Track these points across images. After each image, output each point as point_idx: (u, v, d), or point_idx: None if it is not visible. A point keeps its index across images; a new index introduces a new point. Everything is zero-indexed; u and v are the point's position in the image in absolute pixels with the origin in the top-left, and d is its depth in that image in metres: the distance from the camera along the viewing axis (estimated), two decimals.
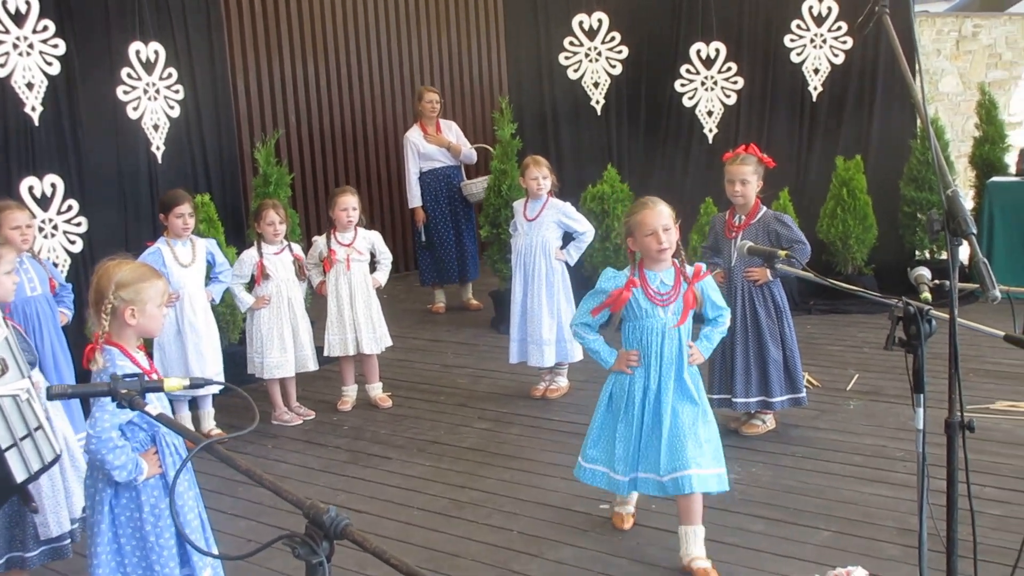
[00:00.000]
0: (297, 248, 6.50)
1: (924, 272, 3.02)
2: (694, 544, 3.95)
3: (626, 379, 3.99)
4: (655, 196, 4.01)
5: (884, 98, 8.49)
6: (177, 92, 7.27)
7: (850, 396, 6.13)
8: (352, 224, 6.46)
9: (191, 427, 6.11)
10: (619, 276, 3.96)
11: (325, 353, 6.52)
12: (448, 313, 9.22)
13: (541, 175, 6.35)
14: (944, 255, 8.33)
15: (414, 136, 8.96)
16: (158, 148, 7.16)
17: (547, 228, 6.37)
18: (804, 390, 5.49)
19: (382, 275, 6.63)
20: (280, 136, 9.49)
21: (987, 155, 9.00)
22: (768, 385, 5.36)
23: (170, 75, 7.21)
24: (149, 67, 7.09)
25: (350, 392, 6.65)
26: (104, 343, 3.19)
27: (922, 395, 2.75)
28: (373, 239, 6.57)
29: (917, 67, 2.54)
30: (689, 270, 3.96)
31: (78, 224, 6.62)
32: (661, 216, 3.84)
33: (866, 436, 5.43)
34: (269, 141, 7.69)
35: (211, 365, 5.95)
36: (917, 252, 8.59)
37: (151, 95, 7.11)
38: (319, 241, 6.58)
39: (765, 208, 5.42)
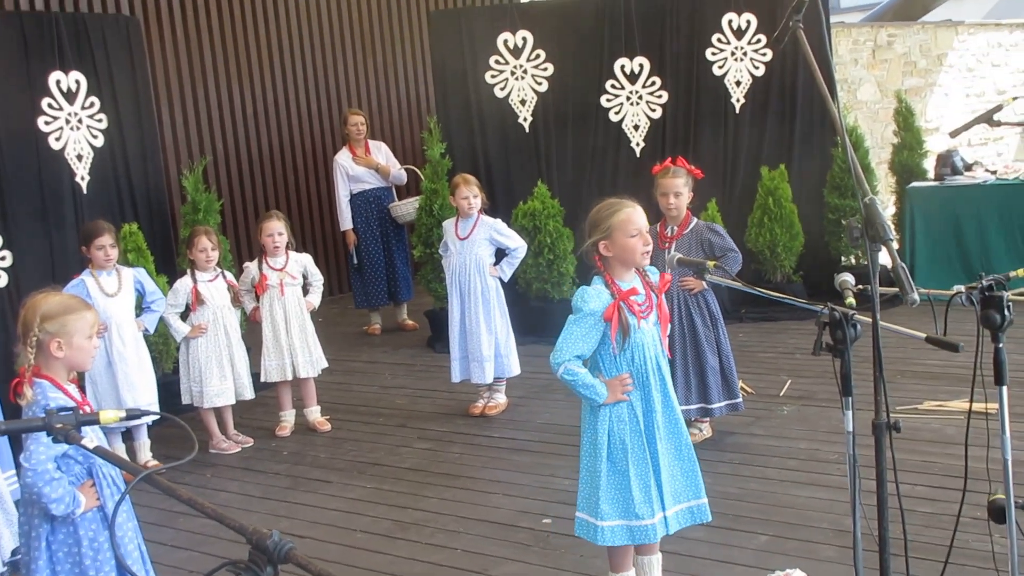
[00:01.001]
0: (230, 275, 6.46)
1: (848, 278, 3.07)
2: (656, 572, 3.83)
3: (623, 411, 3.56)
4: (601, 204, 3.83)
5: (805, 108, 8.66)
6: (100, 121, 7.19)
7: (783, 402, 6.22)
8: (280, 249, 6.43)
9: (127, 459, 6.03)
10: (601, 291, 3.54)
11: (262, 379, 6.47)
12: (384, 334, 9.20)
13: (471, 194, 6.38)
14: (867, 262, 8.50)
15: (343, 159, 8.97)
16: (82, 178, 7.08)
17: (479, 246, 6.39)
18: (740, 396, 5.58)
19: (315, 297, 6.61)
20: (208, 163, 9.41)
21: (906, 161, 9.21)
22: (707, 392, 5.43)
23: (92, 104, 7.13)
24: (70, 97, 7.01)
25: (288, 417, 6.61)
26: (33, 376, 3.16)
27: (850, 398, 2.82)
28: (305, 262, 6.56)
29: (832, 78, 2.62)
30: (653, 277, 3.68)
31: (2, 258, 6.51)
32: (643, 216, 3.60)
33: (800, 440, 5.52)
34: (197, 168, 7.64)
35: (144, 395, 5.87)
36: (843, 258, 8.75)
37: (73, 125, 7.02)
38: (251, 267, 6.54)
39: (696, 219, 5.51)
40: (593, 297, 3.52)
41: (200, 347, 6.21)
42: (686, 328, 5.43)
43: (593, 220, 3.62)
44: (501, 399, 6.62)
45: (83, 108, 7.09)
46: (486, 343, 6.39)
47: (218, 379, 6.20)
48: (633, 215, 3.56)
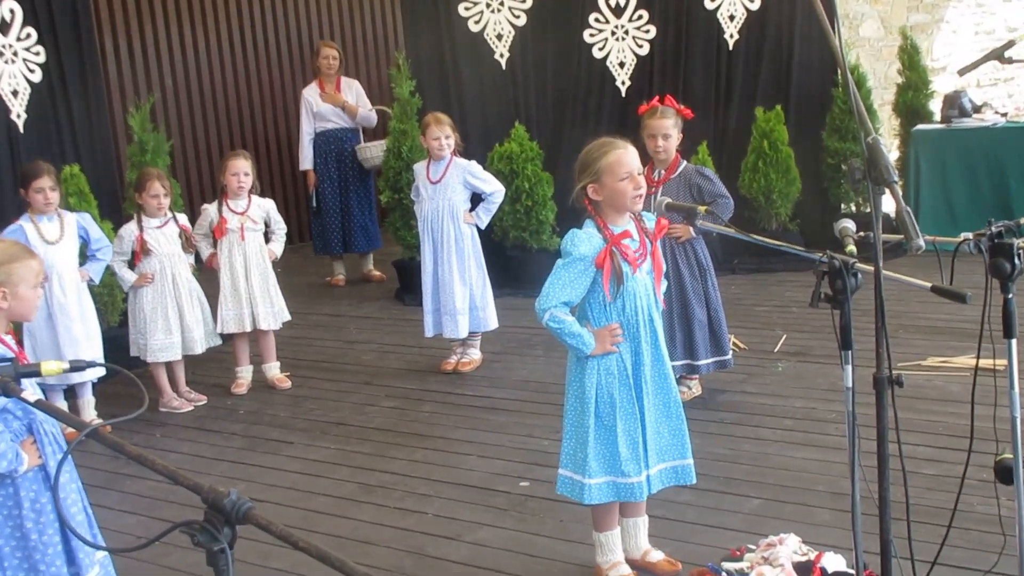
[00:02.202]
0: (183, 219, 6.40)
1: (848, 224, 3.06)
2: (643, 536, 3.90)
3: (611, 362, 3.59)
4: (590, 145, 3.75)
5: (803, 45, 8.61)
6: (38, 55, 7.07)
7: (778, 358, 6.26)
8: (244, 190, 6.39)
9: None
10: (592, 235, 3.56)
11: (218, 330, 6.44)
12: (349, 286, 9.20)
13: (443, 134, 6.34)
14: (869, 207, 8.53)
15: (310, 94, 8.95)
16: (19, 116, 6.99)
17: (453, 190, 6.38)
18: (730, 352, 5.61)
19: (277, 246, 6.58)
20: (156, 100, 9.31)
21: (911, 102, 9.20)
22: (693, 347, 5.45)
23: (28, 36, 7.02)
24: (4, 28, 6.89)
25: (245, 373, 6.60)
26: None
27: (850, 352, 2.83)
28: (267, 207, 6.51)
29: (834, 10, 2.59)
30: (648, 222, 3.70)
31: None
32: (635, 157, 3.60)
33: (795, 399, 5.56)
34: (144, 106, 7.54)
35: (87, 350, 5.82)
36: (843, 205, 8.76)
37: (8, 58, 6.92)
38: (209, 209, 6.48)
39: (685, 162, 5.51)
40: (584, 241, 3.55)
41: (145, 298, 6.15)
42: (672, 279, 5.44)
43: (582, 162, 3.64)
44: (476, 355, 6.63)
45: (18, 40, 6.98)
46: (459, 295, 6.39)
47: (163, 332, 6.17)
48: (624, 156, 3.56)
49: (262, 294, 6.43)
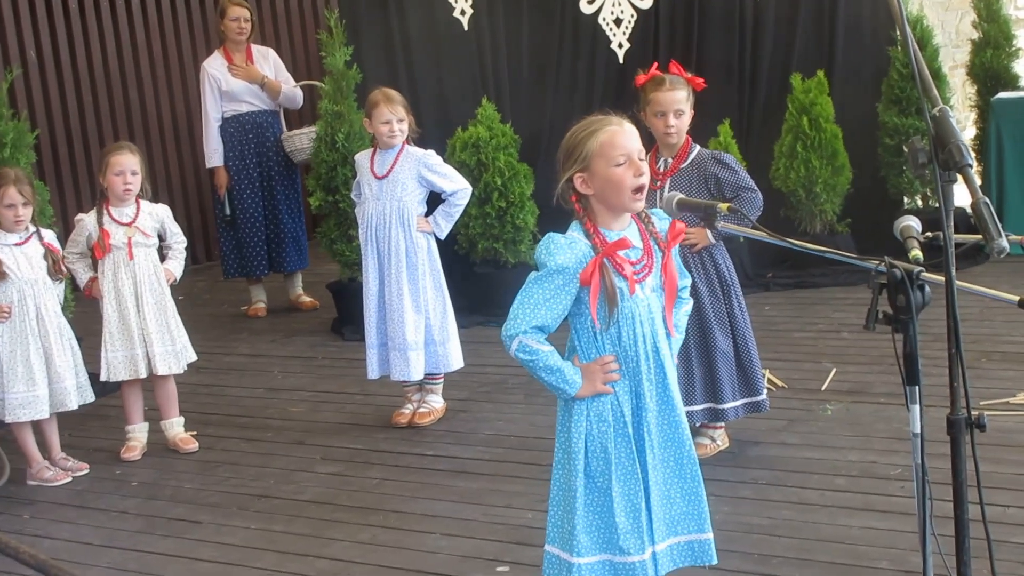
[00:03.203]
0: (49, 235, 6.33)
1: (912, 223, 3.08)
2: None
3: (604, 407, 3.58)
4: (577, 125, 3.67)
5: None
6: None
7: (826, 398, 6.27)
8: (132, 194, 6.34)
9: None
10: (576, 241, 3.54)
11: (103, 377, 6.35)
12: (272, 316, 9.20)
13: (395, 116, 6.32)
14: (937, 200, 8.56)
15: (215, 67, 8.90)
16: None
17: (405, 188, 6.35)
18: (764, 392, 5.62)
19: (176, 265, 6.54)
20: (15, 78, 9.26)
21: (990, 63, 9.25)
22: (717, 388, 5.46)
23: None
24: None
25: (138, 433, 6.55)
26: None
27: (917, 388, 2.83)
28: (162, 216, 6.48)
29: None
30: (659, 224, 3.69)
31: None
32: (634, 136, 3.58)
33: (849, 451, 5.57)
34: (0, 84, 7.52)
35: None
36: (906, 199, 8.81)
37: None
38: (86, 220, 6.37)
39: (698, 147, 5.52)
40: (563, 248, 3.51)
41: (1, 339, 6.10)
42: None
43: (567, 147, 3.63)
44: (436, 403, 6.62)
45: None
46: (411, 325, 6.35)
47: (24, 383, 6.02)
48: (618, 135, 3.54)
49: (159, 330, 6.38)
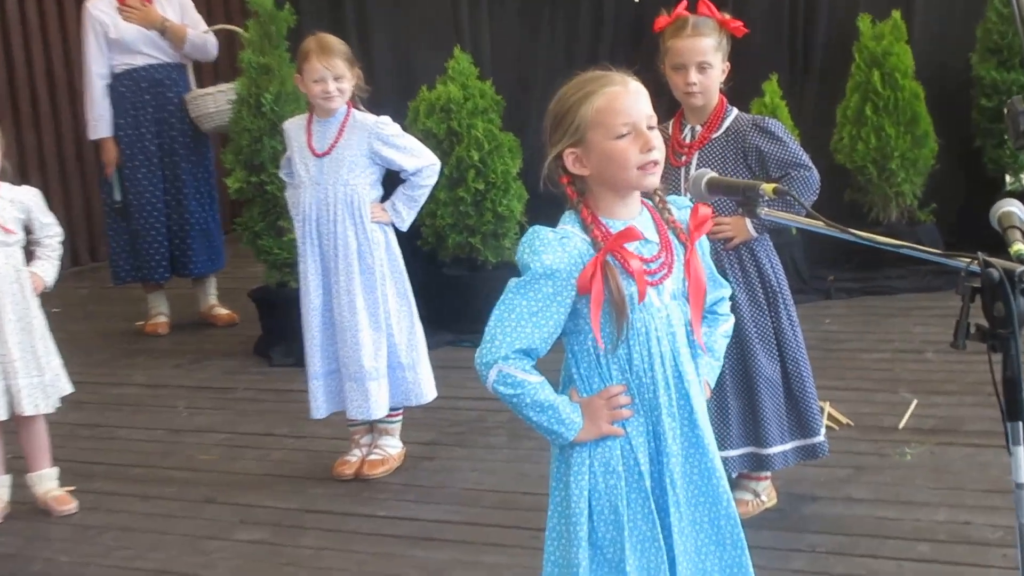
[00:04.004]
0: None
1: (1014, 210, 3.06)
2: None
3: (612, 454, 3.55)
4: (567, 85, 3.62)
5: None
6: None
7: (905, 439, 6.29)
8: None
9: None
10: (570, 237, 3.52)
11: None
12: (176, 334, 9.24)
13: (330, 72, 6.22)
14: None
15: (101, 8, 8.87)
16: None
17: (353, 168, 6.30)
18: (822, 432, 5.60)
19: (47, 267, 6.49)
20: None
21: None
22: (760, 427, 5.43)
23: None
24: None
25: None
26: None
27: (1021, 425, 2.81)
28: (28, 204, 6.44)
29: None
30: (678, 212, 3.69)
31: None
32: (641, 99, 3.56)
33: (935, 508, 5.56)
34: None
35: None
36: (1008, 177, 8.82)
37: None
38: None
39: (736, 111, 5.51)
40: (553, 245, 3.46)
41: None
42: None
43: (555, 114, 3.59)
44: (392, 447, 6.59)
45: None
46: (372, 347, 6.35)
47: None
48: (619, 99, 3.50)
49: (23, 356, 6.31)
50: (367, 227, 6.38)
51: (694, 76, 5.34)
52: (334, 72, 6.30)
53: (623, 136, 3.47)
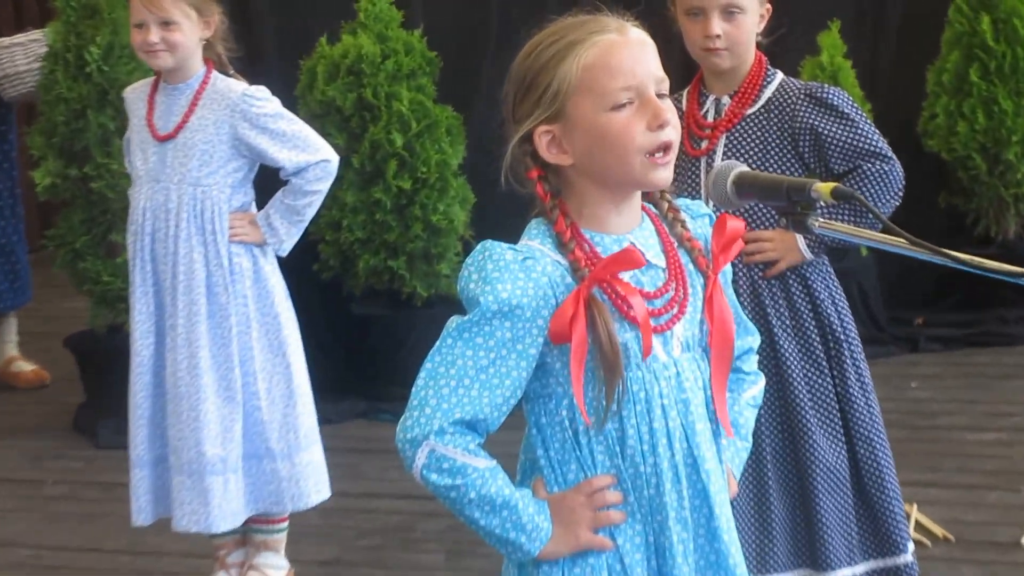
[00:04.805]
0: None
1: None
2: None
3: (597, 572, 3.52)
4: (540, 34, 3.51)
5: None
6: None
7: None
8: None
9: None
10: (537, 257, 3.42)
11: None
12: None
13: (155, 15, 6.09)
14: None
15: None
16: None
17: (206, 159, 6.22)
18: (909, 547, 5.57)
19: None
20: None
21: None
22: (816, 540, 5.37)
23: None
24: None
25: None
26: None
27: None
28: None
29: None
30: (694, 225, 3.63)
31: None
32: (646, 52, 3.46)
33: None
34: None
35: None
36: None
37: None
38: None
39: (780, 75, 5.43)
40: (512, 271, 3.37)
41: None
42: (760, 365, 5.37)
43: (522, 75, 3.49)
44: (275, 570, 6.55)
45: None
46: (218, 423, 6.27)
47: None
48: (618, 50, 3.42)
49: None
50: (222, 248, 6.29)
51: (717, 25, 5.20)
52: (159, 14, 6.20)
53: (622, 106, 3.37)
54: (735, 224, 3.56)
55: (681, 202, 3.59)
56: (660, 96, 3.38)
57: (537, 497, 3.47)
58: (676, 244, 3.53)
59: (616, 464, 3.48)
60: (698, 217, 3.60)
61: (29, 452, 8.40)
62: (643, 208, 3.52)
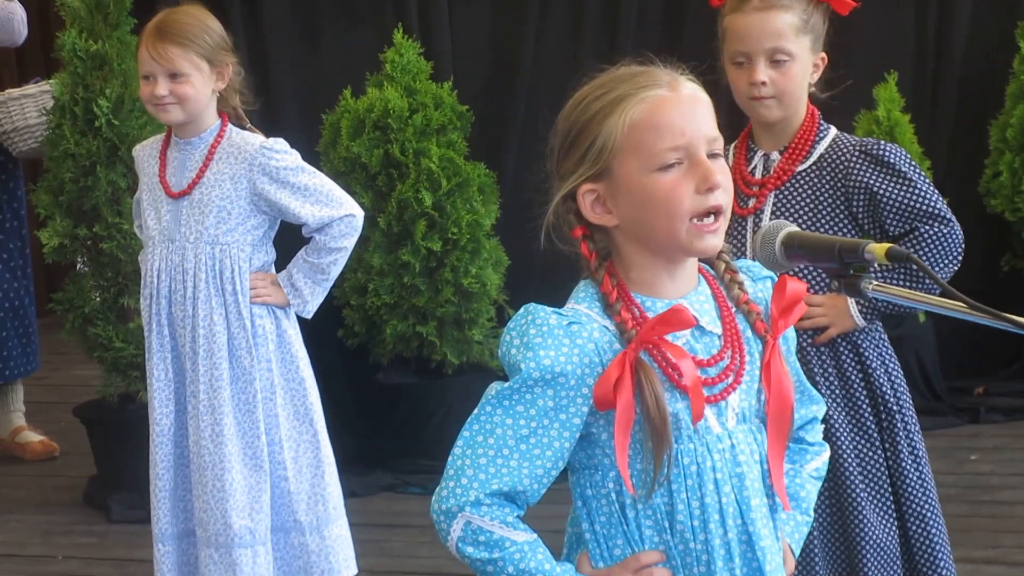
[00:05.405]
0: None
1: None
2: None
3: None
4: (587, 87, 3.47)
5: None
6: None
7: None
8: None
9: None
10: (583, 321, 3.40)
11: None
12: None
13: (163, 67, 6.14)
14: None
15: None
16: None
17: (223, 215, 6.19)
18: None
19: None
20: None
21: None
22: None
23: None
24: None
25: None
26: None
27: None
28: None
29: None
30: (753, 288, 3.60)
31: None
32: (699, 110, 3.43)
33: None
34: None
35: None
36: None
37: None
38: None
39: (834, 130, 5.36)
40: (556, 336, 3.35)
41: None
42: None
43: (567, 129, 3.46)
44: None
45: None
46: (245, 495, 6.22)
47: None
48: (668, 107, 3.37)
49: None
50: (243, 310, 6.27)
51: (763, 72, 5.17)
52: (167, 66, 6.17)
53: (670, 167, 3.34)
54: (796, 286, 3.53)
55: (741, 263, 3.53)
56: (712, 156, 3.34)
57: (581, 572, 3.47)
58: (733, 308, 3.49)
59: (665, 540, 3.48)
60: (759, 280, 3.56)
61: (38, 527, 8.35)
62: (700, 271, 3.46)
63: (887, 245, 3.38)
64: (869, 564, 5.29)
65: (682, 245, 3.36)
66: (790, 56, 5.18)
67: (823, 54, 5.27)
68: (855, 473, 5.29)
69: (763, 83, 5.17)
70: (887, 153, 5.28)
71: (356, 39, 8.62)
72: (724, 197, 3.34)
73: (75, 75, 8.18)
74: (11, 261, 9.05)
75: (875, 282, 3.44)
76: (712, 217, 3.33)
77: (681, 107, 3.39)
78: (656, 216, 3.34)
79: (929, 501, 5.36)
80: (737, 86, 5.24)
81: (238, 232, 6.20)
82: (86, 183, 8.08)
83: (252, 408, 6.24)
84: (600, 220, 3.39)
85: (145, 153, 6.42)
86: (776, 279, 3.55)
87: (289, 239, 6.39)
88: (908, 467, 5.35)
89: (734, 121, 5.20)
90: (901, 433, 5.35)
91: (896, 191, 5.23)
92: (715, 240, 3.35)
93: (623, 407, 3.31)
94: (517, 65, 8.75)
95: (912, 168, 5.31)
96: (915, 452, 5.36)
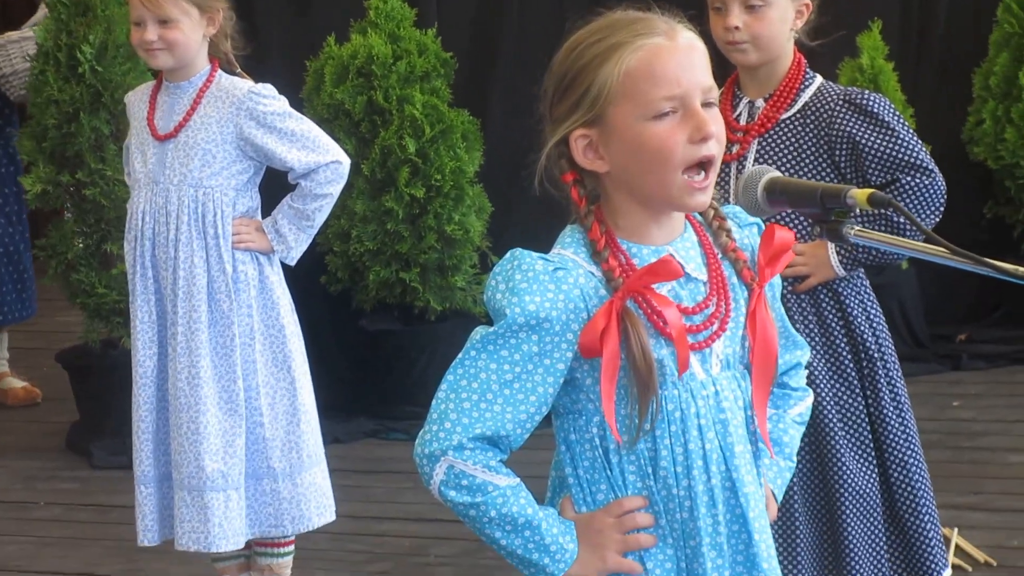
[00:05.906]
0: None
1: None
2: None
3: None
4: (580, 33, 3.46)
5: None
6: None
7: None
8: None
9: None
10: (569, 267, 3.41)
11: None
12: None
13: (153, 10, 6.13)
14: None
15: None
16: None
17: (208, 158, 6.20)
18: (945, 573, 5.52)
19: None
20: None
21: None
22: (846, 566, 5.41)
23: None
24: None
25: None
26: None
27: None
28: None
29: None
30: (740, 234, 3.59)
31: None
32: (695, 58, 3.41)
33: None
34: None
35: None
36: None
37: None
38: None
39: (819, 79, 5.40)
40: (542, 281, 3.35)
41: None
42: None
43: (562, 75, 3.47)
44: None
45: None
46: (220, 439, 6.25)
47: None
48: (665, 55, 3.37)
49: None
50: (225, 254, 6.27)
51: (736, 16, 5.19)
52: (157, 12, 6.18)
53: (664, 116, 3.34)
54: (784, 235, 3.52)
55: (727, 209, 3.52)
56: (707, 105, 3.34)
57: (564, 517, 3.46)
58: (720, 255, 3.48)
59: (648, 485, 3.47)
60: (746, 226, 3.57)
61: (20, 473, 8.35)
62: (687, 216, 3.46)
63: (869, 191, 3.35)
64: (848, 510, 5.33)
65: (671, 198, 3.38)
66: (764, 2, 5.18)
67: (807, 1, 5.28)
68: (835, 421, 5.31)
69: (736, 28, 5.18)
70: (871, 103, 5.29)
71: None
72: (716, 147, 3.34)
73: (58, 21, 8.15)
74: (6, 206, 9.03)
75: (857, 229, 3.49)
76: (702, 173, 3.33)
77: (678, 56, 3.39)
78: (648, 164, 3.35)
79: (911, 448, 5.40)
80: (715, 31, 5.23)
81: (222, 176, 6.20)
82: (69, 129, 8.06)
83: (230, 352, 6.22)
84: (592, 166, 3.39)
85: (136, 98, 6.43)
86: (762, 226, 3.54)
87: (275, 187, 6.35)
88: (890, 414, 5.37)
89: (721, 69, 5.28)
90: (883, 381, 5.37)
91: (879, 141, 5.25)
92: (704, 197, 3.36)
93: (609, 355, 3.31)
94: (502, 12, 8.73)
95: (896, 118, 5.31)
96: (897, 399, 5.37)
